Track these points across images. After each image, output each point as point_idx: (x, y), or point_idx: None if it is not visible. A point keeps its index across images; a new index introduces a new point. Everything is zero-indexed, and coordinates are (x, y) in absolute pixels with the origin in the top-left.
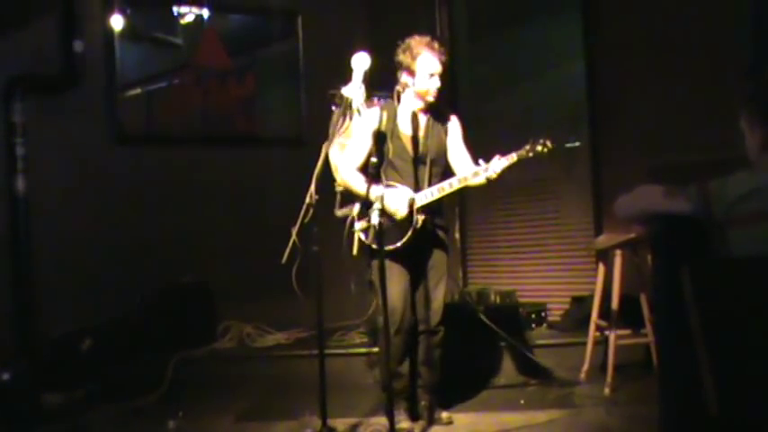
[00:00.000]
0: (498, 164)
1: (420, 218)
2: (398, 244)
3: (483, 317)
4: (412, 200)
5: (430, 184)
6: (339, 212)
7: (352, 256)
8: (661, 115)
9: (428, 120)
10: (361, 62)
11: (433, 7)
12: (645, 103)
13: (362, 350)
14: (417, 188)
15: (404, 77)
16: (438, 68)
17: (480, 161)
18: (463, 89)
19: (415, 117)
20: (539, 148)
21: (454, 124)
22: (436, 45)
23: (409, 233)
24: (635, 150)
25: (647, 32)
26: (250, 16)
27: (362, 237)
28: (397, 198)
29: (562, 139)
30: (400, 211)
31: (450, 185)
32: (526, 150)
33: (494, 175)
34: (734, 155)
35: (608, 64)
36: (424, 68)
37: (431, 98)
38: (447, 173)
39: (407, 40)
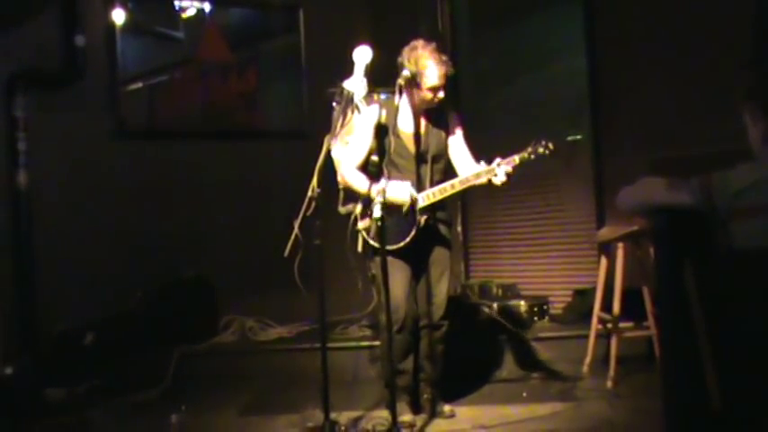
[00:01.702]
0: (500, 170)
1: (422, 218)
2: (401, 244)
3: (494, 314)
4: (414, 197)
5: (432, 183)
6: (342, 209)
7: (357, 253)
8: (663, 108)
9: (429, 117)
10: (362, 56)
11: (435, 0)
12: (646, 96)
13: (365, 344)
14: (420, 186)
15: (407, 77)
16: (443, 82)
17: (482, 162)
18: (464, 83)
19: (416, 115)
20: (540, 149)
21: (455, 121)
22: (444, 57)
23: (412, 233)
24: (637, 143)
25: (649, 25)
26: (251, 10)
27: (365, 236)
28: (399, 188)
29: (564, 132)
30: (403, 198)
31: (453, 186)
32: (528, 152)
33: (498, 183)
34: (736, 147)
35: (610, 57)
36: (429, 80)
37: (433, 104)
38: (448, 170)
39: (414, 45)
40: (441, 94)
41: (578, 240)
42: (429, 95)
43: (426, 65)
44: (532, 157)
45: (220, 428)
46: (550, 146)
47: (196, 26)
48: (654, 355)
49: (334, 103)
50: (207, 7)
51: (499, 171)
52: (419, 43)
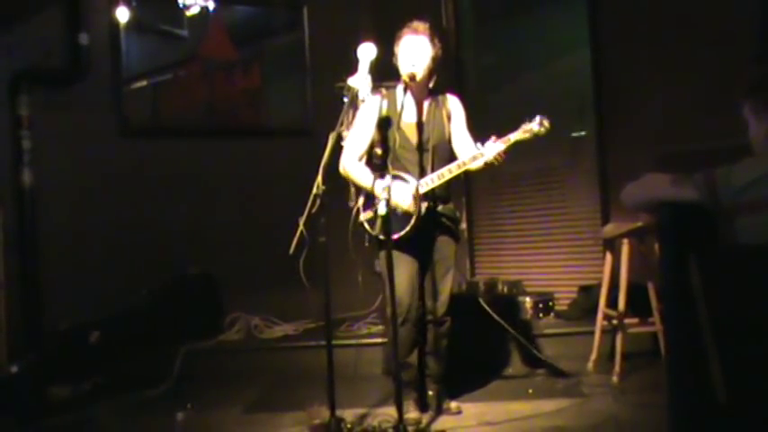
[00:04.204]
0: (493, 148)
1: (423, 205)
2: (402, 233)
3: (488, 308)
4: (417, 190)
5: (433, 171)
6: (363, 216)
7: (365, 247)
8: (667, 104)
9: (430, 106)
10: (366, 52)
11: None
12: (651, 92)
13: (370, 341)
14: (422, 176)
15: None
16: (420, 44)
17: (478, 144)
18: (469, 79)
19: (418, 104)
20: (536, 128)
21: (457, 108)
22: (419, 26)
23: (413, 221)
24: (641, 139)
25: (653, 21)
26: (255, 8)
27: (368, 227)
28: (402, 191)
29: (568, 128)
30: (404, 204)
31: (450, 171)
32: (523, 131)
33: (491, 159)
34: (740, 143)
35: (614, 53)
36: (405, 50)
37: (416, 73)
38: (452, 157)
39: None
40: (423, 59)
41: (583, 237)
42: (407, 69)
43: (401, 35)
44: (527, 135)
45: (226, 426)
46: (546, 123)
47: (200, 24)
48: (659, 350)
49: (345, 99)
50: (211, 5)
51: (488, 150)
52: (404, 29)
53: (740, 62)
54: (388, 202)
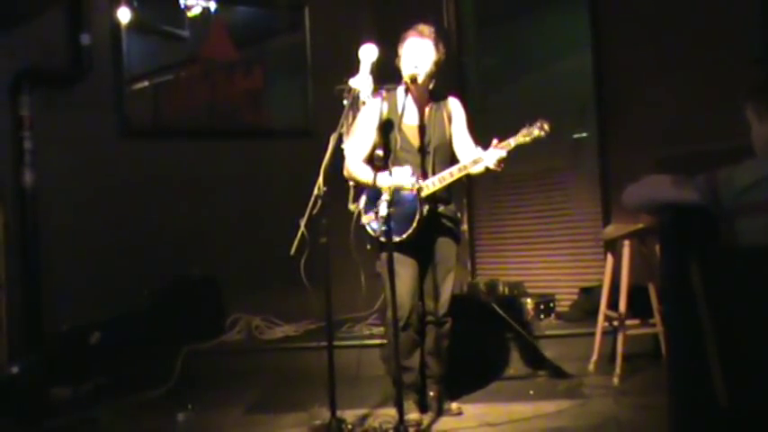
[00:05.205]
0: (494, 154)
1: (425, 207)
2: (404, 236)
3: (497, 308)
4: (419, 186)
5: (434, 173)
6: (365, 218)
7: (366, 249)
8: (668, 105)
9: (430, 108)
10: (368, 53)
11: None
12: (652, 93)
13: (371, 342)
14: (423, 178)
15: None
16: (424, 48)
17: (479, 148)
18: (470, 80)
19: (420, 107)
20: (536, 131)
21: (457, 110)
22: (424, 29)
23: (415, 224)
24: (642, 140)
25: (654, 23)
26: (257, 8)
27: (369, 229)
28: (401, 174)
29: (569, 130)
30: (406, 183)
31: (451, 174)
32: (523, 135)
33: (492, 167)
34: (742, 144)
35: (615, 54)
36: (408, 52)
37: (418, 75)
38: (453, 159)
39: (403, 36)
40: (426, 63)
41: (584, 238)
42: (409, 70)
43: (406, 37)
44: (527, 139)
45: (227, 427)
46: (546, 127)
47: (201, 25)
48: (660, 352)
49: (345, 102)
50: (212, 6)
51: (489, 156)
52: (409, 31)
53: (740, 63)
54: (389, 203)
